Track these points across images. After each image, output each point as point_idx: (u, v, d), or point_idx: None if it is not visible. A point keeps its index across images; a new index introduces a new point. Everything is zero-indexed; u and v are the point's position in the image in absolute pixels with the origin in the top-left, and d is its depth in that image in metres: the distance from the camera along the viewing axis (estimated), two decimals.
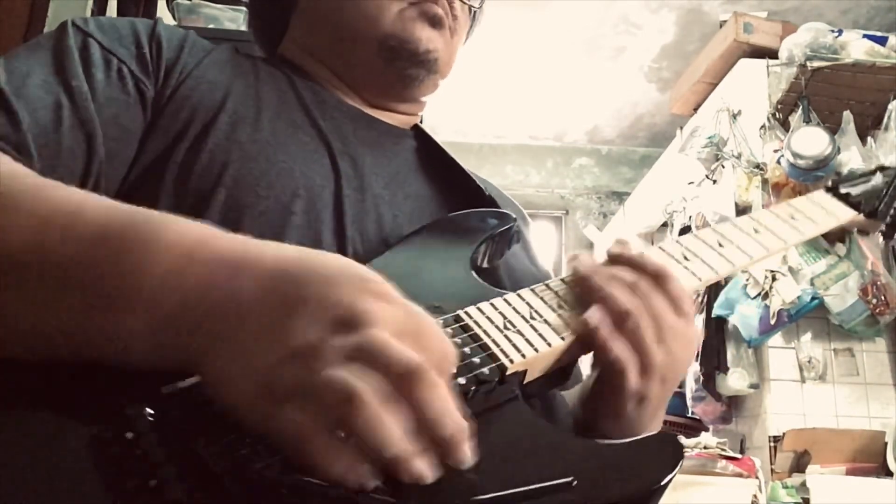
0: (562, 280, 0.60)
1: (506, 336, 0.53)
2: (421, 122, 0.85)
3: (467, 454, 0.39)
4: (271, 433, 0.38)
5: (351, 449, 0.37)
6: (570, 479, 0.43)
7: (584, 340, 0.55)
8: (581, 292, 0.58)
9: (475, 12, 0.83)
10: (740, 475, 2.43)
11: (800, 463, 2.45)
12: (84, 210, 0.46)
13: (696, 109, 3.38)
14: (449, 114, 4.21)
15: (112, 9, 1.93)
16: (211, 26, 1.89)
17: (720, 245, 0.68)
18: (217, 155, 0.61)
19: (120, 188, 0.61)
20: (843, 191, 0.79)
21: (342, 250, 0.61)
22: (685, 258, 0.65)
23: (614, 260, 0.59)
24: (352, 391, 0.36)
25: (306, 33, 0.80)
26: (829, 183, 0.82)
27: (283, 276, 0.42)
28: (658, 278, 0.56)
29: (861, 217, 0.80)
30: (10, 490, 0.36)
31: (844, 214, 0.79)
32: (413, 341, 0.40)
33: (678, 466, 0.46)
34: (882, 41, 2.77)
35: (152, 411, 0.41)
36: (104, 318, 0.43)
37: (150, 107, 0.63)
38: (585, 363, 0.62)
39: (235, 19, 1.92)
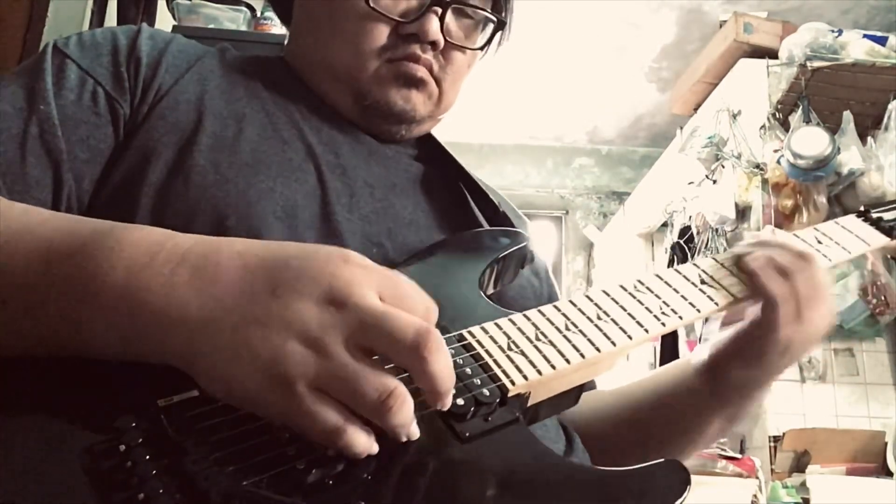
0: (570, 302, 0.59)
1: (509, 357, 0.52)
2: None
3: (449, 403, 0.43)
4: (295, 421, 0.39)
5: (367, 426, 0.40)
6: None
7: (751, 285, 0.63)
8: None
9: (497, 33, 0.79)
10: (740, 475, 2.42)
11: (800, 463, 2.45)
12: (37, 231, 0.45)
13: (696, 109, 3.37)
14: (449, 114, 4.21)
15: (112, 9, 1.93)
16: (211, 26, 1.89)
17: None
18: (194, 177, 0.60)
19: (90, 207, 0.60)
20: (874, 215, 0.76)
21: None
22: (702, 282, 0.64)
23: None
24: (389, 389, 0.39)
25: (297, 49, 0.77)
26: (861, 208, 0.79)
27: (256, 263, 0.42)
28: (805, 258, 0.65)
29: (894, 243, 0.77)
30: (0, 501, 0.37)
31: (876, 240, 0.75)
32: (397, 302, 0.42)
33: (685, 495, 0.45)
34: (882, 41, 2.77)
35: (146, 424, 0.41)
36: (68, 331, 0.42)
37: (124, 125, 0.63)
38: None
39: (235, 19, 1.92)
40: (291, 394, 0.38)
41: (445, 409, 0.43)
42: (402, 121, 0.73)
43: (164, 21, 2.01)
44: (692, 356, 0.72)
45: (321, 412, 0.38)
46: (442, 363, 0.40)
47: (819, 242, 0.72)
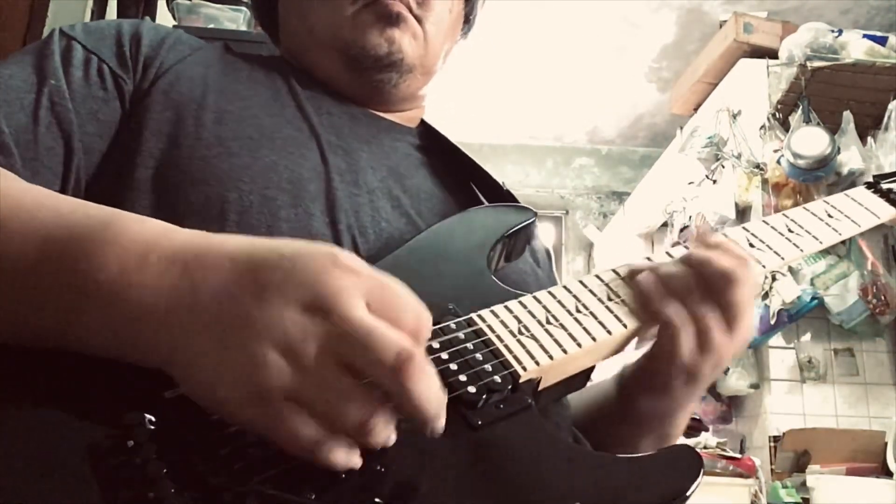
0: (580, 282, 0.58)
1: (520, 341, 0.51)
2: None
3: (441, 427, 0.40)
4: (270, 433, 0.38)
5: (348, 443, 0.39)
6: (575, 502, 0.42)
7: (641, 306, 0.56)
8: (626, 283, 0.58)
9: None
10: (740, 475, 2.43)
11: (800, 463, 2.45)
12: (32, 215, 0.45)
13: (696, 109, 3.37)
14: (449, 114, 4.21)
15: (112, 9, 1.93)
16: (211, 26, 1.89)
17: (751, 245, 0.64)
18: (198, 151, 0.60)
19: (93, 181, 0.60)
20: (884, 186, 0.73)
21: (337, 242, 0.60)
22: None
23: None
24: (370, 413, 0.37)
25: (288, 41, 0.79)
26: (871, 178, 0.76)
27: (244, 264, 0.40)
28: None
29: None
30: (8, 497, 0.36)
31: (886, 212, 0.72)
32: (386, 312, 0.39)
33: (699, 478, 0.44)
34: (882, 41, 2.77)
35: (153, 418, 0.40)
36: (58, 322, 0.42)
37: (129, 101, 0.64)
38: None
39: (235, 19, 1.92)
40: (267, 406, 0.37)
41: (437, 434, 0.40)
42: (392, 66, 0.72)
43: (164, 21, 2.01)
44: (614, 373, 0.65)
45: (298, 426, 0.37)
46: (424, 388, 0.38)
47: (829, 216, 0.70)
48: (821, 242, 0.67)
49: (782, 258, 0.64)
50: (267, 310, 0.38)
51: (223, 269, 0.40)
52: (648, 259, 0.61)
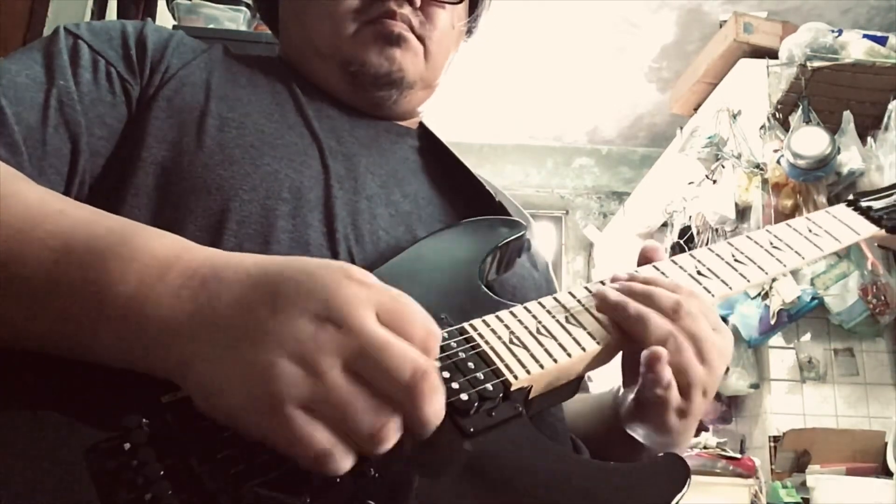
0: (570, 294, 0.59)
1: (511, 351, 0.52)
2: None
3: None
4: (280, 442, 0.37)
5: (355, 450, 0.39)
6: None
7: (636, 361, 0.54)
8: (601, 308, 0.57)
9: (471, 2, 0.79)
10: (740, 475, 2.43)
11: (800, 463, 2.45)
12: (51, 222, 0.45)
13: (696, 109, 3.38)
14: (449, 114, 4.21)
15: (112, 9, 1.93)
16: (211, 26, 1.89)
17: (735, 260, 0.66)
18: (200, 158, 0.60)
19: (96, 183, 0.60)
20: (863, 204, 0.76)
21: (333, 251, 0.60)
22: (699, 273, 0.63)
23: (637, 284, 0.58)
24: (383, 423, 0.38)
25: (288, 46, 0.79)
26: (851, 197, 0.78)
27: (260, 277, 0.41)
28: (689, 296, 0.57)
29: (883, 233, 0.76)
30: (6, 499, 0.36)
31: (865, 230, 0.75)
32: (396, 324, 0.40)
33: (685, 488, 0.45)
34: (882, 41, 2.77)
35: (151, 421, 0.40)
36: (71, 330, 0.42)
37: (136, 105, 0.64)
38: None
39: (235, 19, 1.92)
40: (278, 414, 0.37)
41: (424, 437, 0.41)
42: (393, 84, 0.72)
43: (164, 21, 2.01)
44: (610, 398, 0.65)
45: (309, 434, 0.37)
46: (435, 406, 0.39)
47: (810, 232, 0.72)
48: (803, 258, 0.69)
49: (766, 273, 0.66)
50: (280, 320, 0.38)
51: (239, 283, 0.41)
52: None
